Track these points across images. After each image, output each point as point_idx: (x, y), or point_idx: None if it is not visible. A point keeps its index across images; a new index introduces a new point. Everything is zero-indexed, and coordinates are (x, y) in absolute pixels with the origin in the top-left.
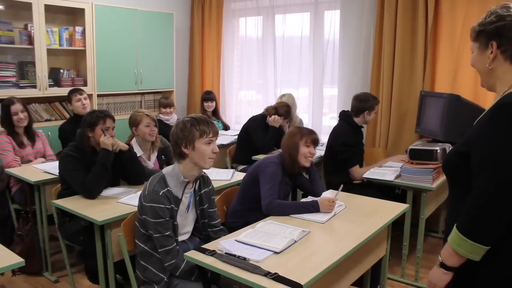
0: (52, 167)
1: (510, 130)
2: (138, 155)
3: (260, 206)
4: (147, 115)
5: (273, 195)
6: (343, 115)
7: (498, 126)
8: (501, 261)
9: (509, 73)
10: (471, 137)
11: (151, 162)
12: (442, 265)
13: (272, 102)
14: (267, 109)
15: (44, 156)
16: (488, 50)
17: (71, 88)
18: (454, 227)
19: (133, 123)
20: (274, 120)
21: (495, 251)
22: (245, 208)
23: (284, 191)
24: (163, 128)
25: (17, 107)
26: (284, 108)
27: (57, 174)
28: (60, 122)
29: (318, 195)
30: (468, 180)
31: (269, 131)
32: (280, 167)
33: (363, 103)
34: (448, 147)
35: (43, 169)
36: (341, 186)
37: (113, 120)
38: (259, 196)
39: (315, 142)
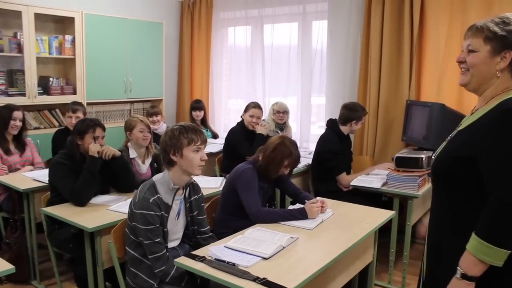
0: (41, 175)
1: None
2: (132, 157)
3: (242, 213)
4: (141, 120)
5: (257, 202)
6: (330, 123)
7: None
8: None
9: (505, 83)
10: (476, 142)
11: (145, 167)
12: (464, 276)
13: None
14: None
15: (32, 164)
16: (498, 57)
17: (59, 95)
18: (475, 236)
19: (128, 127)
20: (264, 127)
21: None
22: (228, 216)
23: (263, 196)
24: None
25: (19, 114)
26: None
27: (47, 182)
28: (49, 130)
29: (307, 198)
30: (466, 185)
31: (257, 139)
32: (255, 172)
33: (352, 112)
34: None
35: (32, 177)
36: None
37: (103, 129)
38: (240, 204)
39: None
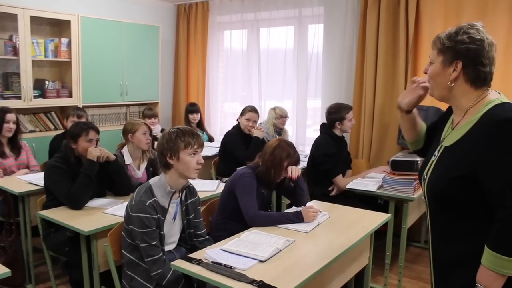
0: (37, 178)
1: None
2: (127, 163)
3: (240, 217)
4: (145, 123)
5: (255, 206)
6: (323, 128)
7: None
8: None
9: (470, 93)
10: (474, 158)
11: (140, 172)
12: None
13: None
14: None
15: (27, 167)
16: (451, 68)
17: (55, 98)
18: (489, 250)
19: (130, 130)
20: (260, 130)
21: None
22: (226, 219)
23: (262, 201)
24: None
25: (12, 116)
26: None
27: (42, 185)
28: (45, 134)
29: (303, 204)
30: (466, 201)
31: (253, 142)
32: (254, 178)
33: (331, 115)
34: None
35: (28, 180)
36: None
37: (97, 132)
38: (238, 208)
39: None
